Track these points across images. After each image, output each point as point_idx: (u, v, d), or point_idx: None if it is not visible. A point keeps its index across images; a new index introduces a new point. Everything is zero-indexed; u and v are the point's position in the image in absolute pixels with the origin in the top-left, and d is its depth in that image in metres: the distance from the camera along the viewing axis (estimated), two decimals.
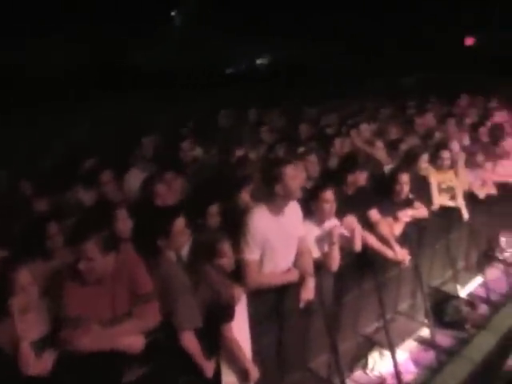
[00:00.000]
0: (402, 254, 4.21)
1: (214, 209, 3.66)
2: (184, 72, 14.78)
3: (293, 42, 17.07)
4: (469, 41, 13.73)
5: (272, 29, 16.73)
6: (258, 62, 20.99)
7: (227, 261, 3.23)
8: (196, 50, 16.71)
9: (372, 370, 4.44)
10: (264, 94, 10.43)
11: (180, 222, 3.08)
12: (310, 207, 3.80)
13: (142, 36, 16.02)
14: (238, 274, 3.31)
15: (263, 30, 17.01)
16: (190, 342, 2.93)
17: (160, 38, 17.70)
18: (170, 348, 2.88)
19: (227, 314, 3.11)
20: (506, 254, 6.30)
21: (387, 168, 5.05)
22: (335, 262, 3.68)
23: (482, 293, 5.60)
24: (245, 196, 3.81)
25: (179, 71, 14.94)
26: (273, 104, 8.51)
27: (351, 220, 3.86)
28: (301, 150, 4.99)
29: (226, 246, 3.24)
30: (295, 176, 3.30)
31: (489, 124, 7.20)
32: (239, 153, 4.81)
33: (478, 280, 5.68)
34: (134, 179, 4.51)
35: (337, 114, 7.89)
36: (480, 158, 5.86)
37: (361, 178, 4.30)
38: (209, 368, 3.05)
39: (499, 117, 7.90)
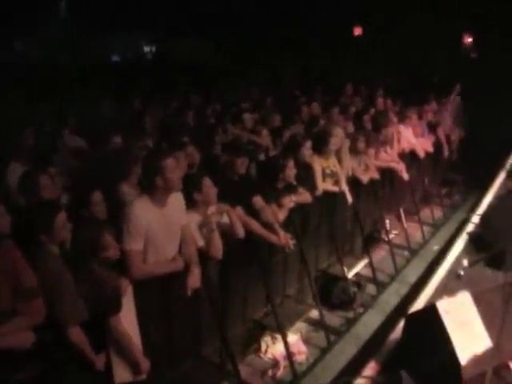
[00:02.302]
0: (285, 239, 4.54)
1: (97, 196, 3.77)
2: (65, 64, 14.50)
3: (177, 33, 17.51)
4: (357, 30, 14.78)
5: (156, 20, 17.07)
6: (143, 52, 21.23)
7: (112, 252, 3.39)
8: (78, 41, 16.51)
9: (265, 353, 4.82)
10: (148, 85, 10.61)
11: (62, 216, 3.17)
12: (192, 195, 4.09)
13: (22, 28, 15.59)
14: (123, 265, 3.50)
15: (148, 21, 17.26)
16: (77, 336, 3.02)
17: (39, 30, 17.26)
18: (58, 343, 2.97)
19: (114, 306, 3.23)
20: (391, 236, 7.04)
21: (271, 154, 5.47)
22: (217, 248, 3.91)
23: (368, 273, 6.20)
24: (126, 187, 3.98)
25: (59, 63, 14.61)
26: (158, 94, 8.71)
27: (223, 207, 4.08)
28: (185, 139, 5.25)
29: (108, 238, 3.39)
30: (175, 168, 3.50)
31: (372, 112, 7.94)
32: (118, 143, 4.99)
33: (365, 261, 6.23)
34: (14, 173, 4.48)
35: (222, 103, 8.29)
36: (363, 144, 6.46)
37: (243, 164, 4.64)
38: (99, 362, 3.15)
39: (383, 105, 8.73)
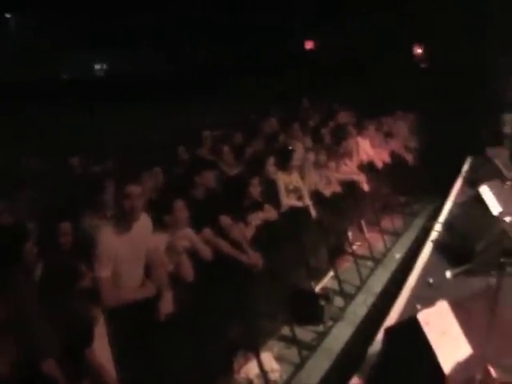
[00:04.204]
0: (254, 258, 4.66)
1: (65, 227, 3.76)
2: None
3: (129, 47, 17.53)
4: (308, 44, 15.09)
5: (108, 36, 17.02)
6: (97, 68, 21.05)
7: (85, 282, 3.40)
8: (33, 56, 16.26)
9: (238, 372, 4.87)
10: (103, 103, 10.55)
11: (30, 246, 3.18)
12: (162, 218, 4.13)
13: None
14: (94, 293, 3.51)
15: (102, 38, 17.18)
16: (50, 370, 2.97)
17: None
18: (34, 378, 2.96)
19: (86, 337, 3.24)
20: (354, 247, 7.23)
21: (235, 173, 5.56)
22: (187, 271, 4.00)
23: (335, 286, 6.32)
24: (91, 216, 3.99)
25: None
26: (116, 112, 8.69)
27: (187, 232, 4.19)
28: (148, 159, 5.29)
29: (81, 268, 3.41)
30: (139, 195, 3.57)
31: (331, 125, 8.17)
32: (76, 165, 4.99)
33: (331, 274, 6.38)
34: None
35: (181, 122, 8.35)
36: (324, 157, 6.65)
37: (208, 178, 4.71)
38: None
39: (342, 118, 8.98)
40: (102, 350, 3.36)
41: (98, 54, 20.29)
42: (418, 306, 3.52)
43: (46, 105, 10.24)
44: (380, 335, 3.96)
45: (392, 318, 4.72)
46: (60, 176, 5.09)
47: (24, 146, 6.48)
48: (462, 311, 3.23)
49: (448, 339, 3.06)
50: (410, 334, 3.09)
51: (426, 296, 4.46)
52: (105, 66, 21.58)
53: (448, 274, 2.96)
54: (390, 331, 3.60)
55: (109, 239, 3.50)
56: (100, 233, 3.52)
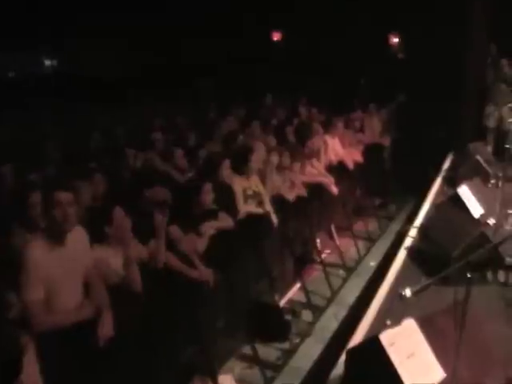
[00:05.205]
0: (206, 274, 4.59)
1: None
2: None
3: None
4: (276, 36, 15.14)
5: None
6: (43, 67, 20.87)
7: (10, 309, 3.32)
8: None
9: None
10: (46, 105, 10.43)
11: None
12: (102, 230, 4.07)
13: None
14: (23, 319, 3.41)
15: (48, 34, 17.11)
16: None
17: None
18: None
19: (14, 368, 3.17)
20: (323, 255, 7.23)
21: (187, 178, 5.53)
22: (136, 282, 3.96)
23: (302, 298, 6.29)
24: (19, 230, 3.90)
25: None
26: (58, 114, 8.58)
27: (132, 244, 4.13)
28: (91, 165, 5.22)
29: (10, 298, 3.32)
30: (70, 202, 3.45)
31: (296, 123, 8.19)
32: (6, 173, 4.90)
33: (297, 285, 6.34)
34: None
35: (132, 124, 8.28)
36: (287, 159, 6.64)
37: (157, 191, 4.68)
38: None
39: (306, 115, 9.02)
40: (31, 381, 3.29)
41: (35, 52, 20.10)
42: (388, 322, 3.51)
43: None
44: (343, 356, 3.97)
45: (359, 334, 4.74)
46: None
47: None
48: (431, 329, 3.21)
49: (416, 362, 3.01)
50: (374, 355, 3.05)
51: (397, 310, 4.46)
52: (42, 65, 21.43)
53: (407, 291, 2.93)
54: (352, 352, 3.58)
55: (38, 256, 3.36)
56: (27, 249, 3.40)
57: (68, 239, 3.54)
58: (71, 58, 19.09)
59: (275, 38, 15.41)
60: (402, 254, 6.87)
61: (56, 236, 3.48)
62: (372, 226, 8.82)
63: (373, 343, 2.97)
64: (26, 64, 20.93)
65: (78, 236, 3.65)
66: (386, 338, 2.96)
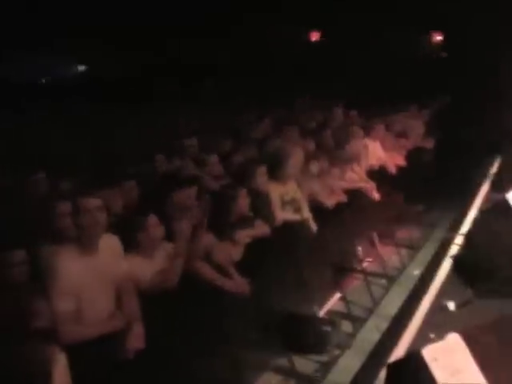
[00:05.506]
0: (240, 283, 4.53)
1: (18, 256, 3.67)
2: None
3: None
4: (314, 36, 14.99)
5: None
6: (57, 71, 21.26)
7: (41, 321, 3.31)
8: None
9: None
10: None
11: None
12: (135, 237, 4.04)
13: None
14: (52, 331, 3.40)
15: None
16: None
17: None
18: None
19: (44, 381, 3.18)
20: (365, 264, 7.09)
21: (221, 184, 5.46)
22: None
23: (342, 309, 6.16)
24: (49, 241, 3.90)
25: None
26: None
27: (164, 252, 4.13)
28: (120, 173, 5.21)
29: (38, 306, 3.32)
30: (100, 208, 3.47)
31: (334, 127, 8.07)
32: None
33: (337, 295, 6.23)
34: None
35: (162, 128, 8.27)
36: (325, 164, 6.54)
37: (187, 195, 4.62)
38: None
39: (344, 118, 8.87)
40: None
41: (58, 56, 20.49)
42: (432, 336, 3.38)
43: None
44: (384, 371, 3.84)
45: (401, 348, 4.59)
46: (18, 195, 5.01)
47: None
48: (477, 345, 3.05)
49: (461, 379, 2.88)
50: (416, 371, 2.93)
51: (440, 323, 4.29)
52: (67, 68, 21.80)
53: (451, 305, 2.81)
54: (393, 367, 3.45)
55: (68, 265, 3.38)
56: (57, 258, 3.40)
57: (99, 248, 3.54)
58: (97, 60, 19.33)
59: (313, 39, 15.29)
60: (446, 263, 6.70)
61: (86, 244, 3.47)
62: (415, 233, 8.57)
63: (415, 358, 2.88)
64: (52, 67, 21.28)
65: (110, 244, 3.67)
66: (429, 352, 2.88)
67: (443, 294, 5.50)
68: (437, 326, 4.19)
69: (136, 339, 3.57)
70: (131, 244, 4.00)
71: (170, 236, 4.28)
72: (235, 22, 14.47)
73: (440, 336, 3.14)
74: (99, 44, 17.65)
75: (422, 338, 4.11)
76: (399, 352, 4.27)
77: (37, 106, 11.69)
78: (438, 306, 5.24)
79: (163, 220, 4.17)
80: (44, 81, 21.21)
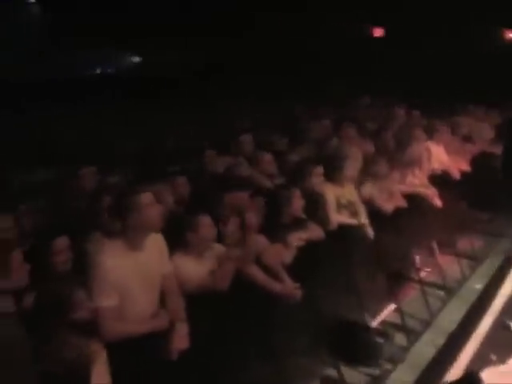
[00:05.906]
0: (291, 288, 4.41)
1: (61, 243, 3.67)
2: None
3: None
4: (378, 32, 14.66)
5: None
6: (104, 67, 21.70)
7: (82, 313, 3.31)
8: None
9: None
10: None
11: (17, 256, 3.13)
12: (184, 236, 4.01)
13: None
14: (94, 325, 3.40)
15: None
16: None
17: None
18: None
19: (83, 378, 3.16)
20: (422, 274, 6.88)
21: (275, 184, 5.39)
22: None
23: (396, 320, 6.01)
24: (95, 234, 3.91)
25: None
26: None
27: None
28: (170, 169, 5.21)
29: (78, 297, 3.32)
30: (152, 204, 3.45)
31: (395, 128, 7.87)
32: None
33: (392, 306, 6.07)
34: None
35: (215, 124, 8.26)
36: (384, 167, 6.38)
37: (240, 198, 4.56)
38: None
39: (406, 119, 8.65)
40: None
41: (105, 52, 20.88)
42: (493, 357, 3.22)
43: (47, 107, 10.35)
44: None
45: (458, 367, 4.39)
46: (67, 188, 5.07)
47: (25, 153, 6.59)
48: None
49: None
50: None
51: (503, 343, 4.10)
52: (113, 65, 22.18)
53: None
54: None
55: (113, 261, 3.36)
56: (103, 253, 3.39)
57: (145, 245, 3.51)
58: (153, 56, 19.63)
59: (376, 35, 15.01)
60: (511, 278, 6.42)
61: (133, 241, 3.45)
62: (478, 243, 8.31)
63: (473, 380, 2.79)
64: (99, 63, 21.75)
65: (156, 242, 3.62)
66: (488, 376, 2.76)
67: (507, 311, 5.26)
68: (498, 346, 3.98)
69: (180, 340, 3.53)
70: (180, 243, 3.96)
71: (220, 237, 4.24)
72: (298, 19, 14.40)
73: (501, 359, 2.99)
74: (156, 41, 17.90)
75: (482, 359, 3.92)
76: (455, 371, 4.09)
77: (91, 101, 11.92)
78: (500, 325, 5.03)
79: (214, 220, 4.11)
80: (100, 75, 21.70)
